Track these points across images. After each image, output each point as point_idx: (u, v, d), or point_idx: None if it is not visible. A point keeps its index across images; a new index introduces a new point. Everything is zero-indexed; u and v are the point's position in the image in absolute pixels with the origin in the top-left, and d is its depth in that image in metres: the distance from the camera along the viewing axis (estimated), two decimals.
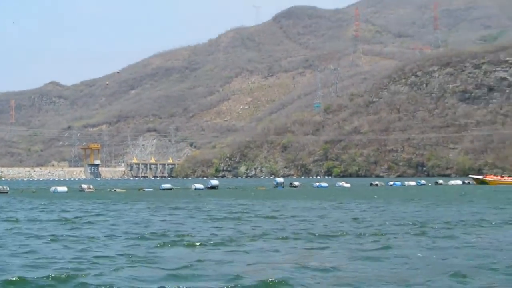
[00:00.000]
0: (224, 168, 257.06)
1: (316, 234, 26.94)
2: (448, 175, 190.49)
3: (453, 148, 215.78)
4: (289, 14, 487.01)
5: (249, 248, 23.05)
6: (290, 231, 28.41)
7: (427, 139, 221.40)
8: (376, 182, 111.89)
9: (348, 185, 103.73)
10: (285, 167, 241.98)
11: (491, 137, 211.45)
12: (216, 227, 30.88)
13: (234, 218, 36.69)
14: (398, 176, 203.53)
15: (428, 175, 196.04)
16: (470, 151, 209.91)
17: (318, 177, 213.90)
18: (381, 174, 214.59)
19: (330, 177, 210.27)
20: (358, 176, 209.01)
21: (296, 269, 18.38)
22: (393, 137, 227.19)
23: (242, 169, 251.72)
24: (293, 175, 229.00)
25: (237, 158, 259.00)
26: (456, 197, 65.46)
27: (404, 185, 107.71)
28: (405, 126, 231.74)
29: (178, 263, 19.41)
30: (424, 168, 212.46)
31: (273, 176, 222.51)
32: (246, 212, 41.83)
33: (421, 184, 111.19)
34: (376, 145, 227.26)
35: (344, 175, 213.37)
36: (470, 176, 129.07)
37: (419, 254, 20.98)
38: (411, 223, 32.28)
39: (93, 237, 27.00)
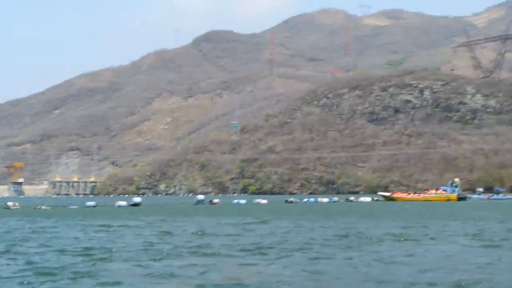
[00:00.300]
0: (145, 186, 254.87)
1: (248, 249, 26.91)
2: (357, 192, 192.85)
3: (362, 167, 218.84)
4: (208, 38, 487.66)
5: (185, 262, 22.97)
6: (221, 247, 28.14)
7: (337, 158, 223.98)
8: (291, 199, 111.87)
9: (265, 201, 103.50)
10: (203, 185, 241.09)
11: (396, 156, 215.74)
12: (148, 243, 30.63)
13: (164, 234, 36.35)
14: (310, 193, 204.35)
15: (338, 192, 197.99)
16: (377, 170, 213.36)
17: (235, 194, 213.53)
18: (294, 191, 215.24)
19: (246, 194, 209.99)
20: (272, 193, 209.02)
21: (233, 283, 18.31)
22: (305, 156, 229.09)
23: (162, 186, 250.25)
24: (211, 192, 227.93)
25: (157, 176, 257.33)
26: (371, 213, 65.25)
27: (317, 202, 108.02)
28: (317, 146, 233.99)
29: (117, 277, 19.35)
30: (335, 186, 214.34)
31: (191, 193, 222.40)
32: (175, 228, 41.56)
33: (334, 201, 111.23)
34: (290, 163, 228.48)
35: (259, 192, 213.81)
36: (379, 193, 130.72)
37: (349, 269, 21.15)
38: (336, 238, 32.53)
39: (29, 253, 26.56)
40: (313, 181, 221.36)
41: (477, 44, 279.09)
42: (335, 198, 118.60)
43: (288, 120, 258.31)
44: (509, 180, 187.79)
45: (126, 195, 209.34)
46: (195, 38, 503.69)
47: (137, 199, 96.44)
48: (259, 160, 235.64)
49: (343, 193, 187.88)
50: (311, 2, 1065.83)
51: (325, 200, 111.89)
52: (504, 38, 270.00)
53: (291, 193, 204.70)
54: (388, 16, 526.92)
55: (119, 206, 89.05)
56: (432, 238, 32.51)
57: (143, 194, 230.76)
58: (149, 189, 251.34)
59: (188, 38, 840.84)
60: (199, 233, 36.80)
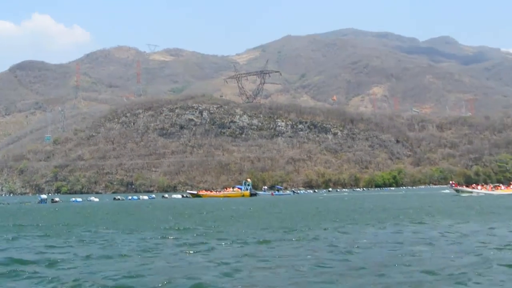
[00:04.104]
0: None
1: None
2: (151, 191, 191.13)
3: (155, 171, 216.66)
4: (23, 66, 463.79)
5: None
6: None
7: (135, 164, 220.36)
8: (119, 197, 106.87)
9: (97, 199, 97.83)
10: (22, 187, 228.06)
11: (182, 163, 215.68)
12: None
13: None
14: (113, 192, 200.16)
15: (136, 191, 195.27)
16: (168, 173, 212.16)
17: (50, 194, 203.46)
18: (100, 191, 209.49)
19: (59, 194, 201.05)
20: (81, 193, 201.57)
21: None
22: (109, 163, 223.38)
23: None
24: (28, 193, 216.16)
25: None
26: (209, 210, 54.84)
27: (140, 199, 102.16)
28: (118, 155, 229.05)
29: None
30: (133, 186, 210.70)
31: (11, 194, 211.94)
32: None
33: (152, 198, 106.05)
34: (96, 169, 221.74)
35: (70, 192, 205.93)
36: (187, 191, 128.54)
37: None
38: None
39: None
40: (115, 183, 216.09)
41: (242, 77, 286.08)
42: (153, 196, 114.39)
43: (93, 134, 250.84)
44: (269, 180, 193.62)
45: None
46: (11, 66, 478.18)
47: None
48: (69, 166, 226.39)
49: (140, 192, 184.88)
50: (108, 39, 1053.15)
51: (145, 197, 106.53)
52: (263, 73, 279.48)
53: (97, 193, 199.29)
54: (170, 53, 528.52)
55: None
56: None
57: None
58: None
59: (5, 66, 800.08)
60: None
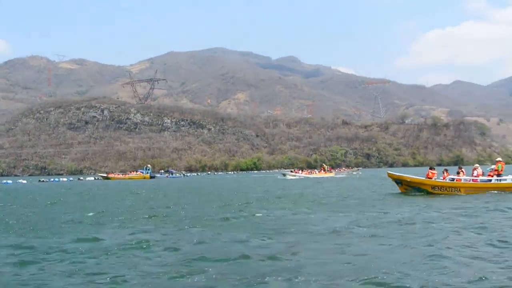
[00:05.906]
0: None
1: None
2: (62, 174, 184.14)
3: (64, 158, 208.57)
4: None
5: None
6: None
7: (48, 152, 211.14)
8: (43, 179, 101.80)
9: (25, 181, 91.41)
10: None
11: (87, 151, 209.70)
12: None
13: None
14: (29, 175, 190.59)
15: (48, 174, 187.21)
16: (75, 160, 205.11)
17: None
18: (18, 174, 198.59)
19: None
20: (2, 175, 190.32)
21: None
22: (25, 151, 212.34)
23: None
24: None
25: None
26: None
27: (60, 181, 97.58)
28: (33, 144, 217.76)
29: None
30: (46, 170, 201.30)
31: None
32: None
33: (70, 180, 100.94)
34: (14, 156, 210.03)
35: None
36: (99, 174, 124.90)
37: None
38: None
39: None
40: (31, 167, 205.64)
41: (135, 83, 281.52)
42: (71, 178, 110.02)
43: (12, 127, 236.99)
44: (158, 165, 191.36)
45: None
46: None
47: None
48: None
49: (52, 175, 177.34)
50: (23, 48, 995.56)
51: (65, 179, 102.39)
52: (152, 80, 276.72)
53: (15, 175, 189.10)
54: (76, 62, 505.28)
55: None
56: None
57: None
58: None
59: None
60: None
